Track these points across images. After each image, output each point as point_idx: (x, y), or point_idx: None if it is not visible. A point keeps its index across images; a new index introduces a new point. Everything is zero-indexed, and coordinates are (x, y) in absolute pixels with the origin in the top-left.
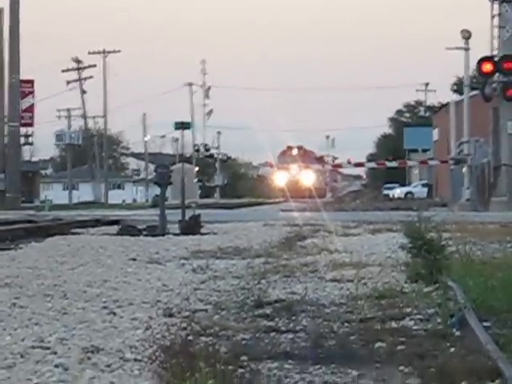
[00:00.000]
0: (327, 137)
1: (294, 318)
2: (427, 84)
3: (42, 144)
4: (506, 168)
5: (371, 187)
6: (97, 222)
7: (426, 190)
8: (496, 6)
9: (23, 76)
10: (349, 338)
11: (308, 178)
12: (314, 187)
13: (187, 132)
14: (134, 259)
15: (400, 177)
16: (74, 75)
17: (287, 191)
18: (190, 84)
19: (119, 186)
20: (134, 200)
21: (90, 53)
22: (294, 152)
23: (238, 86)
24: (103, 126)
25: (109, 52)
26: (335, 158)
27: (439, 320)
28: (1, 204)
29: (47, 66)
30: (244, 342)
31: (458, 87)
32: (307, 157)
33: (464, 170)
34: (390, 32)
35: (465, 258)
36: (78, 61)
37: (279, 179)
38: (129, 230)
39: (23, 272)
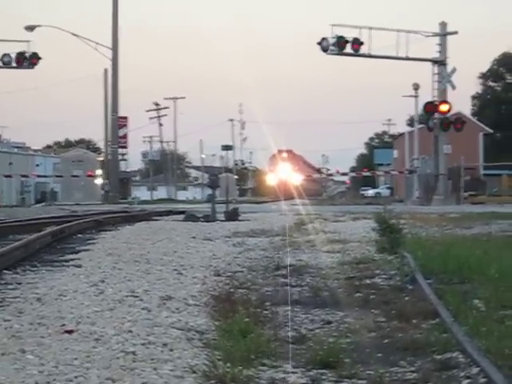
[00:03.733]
0: (323, 155)
1: (300, 277)
2: (390, 119)
3: (133, 160)
4: (443, 176)
5: (353, 189)
6: (169, 212)
7: (389, 191)
8: (436, 67)
9: (120, 113)
10: (337, 290)
11: (296, 179)
12: (315, 188)
13: (230, 152)
14: (194, 237)
15: (372, 182)
16: (154, 114)
17: (278, 191)
18: (231, 120)
19: (184, 188)
20: (194, 198)
21: (165, 98)
22: (284, 155)
23: (262, 120)
24: (174, 147)
25: (177, 98)
26: (328, 170)
27: (398, 278)
28: (106, 200)
29: (137, 107)
30: (267, 293)
31: (411, 121)
32: (296, 160)
33: (414, 177)
34: (366, 84)
35: (414, 237)
36: (156, 104)
37: (271, 180)
38: (191, 217)
39: (120, 245)
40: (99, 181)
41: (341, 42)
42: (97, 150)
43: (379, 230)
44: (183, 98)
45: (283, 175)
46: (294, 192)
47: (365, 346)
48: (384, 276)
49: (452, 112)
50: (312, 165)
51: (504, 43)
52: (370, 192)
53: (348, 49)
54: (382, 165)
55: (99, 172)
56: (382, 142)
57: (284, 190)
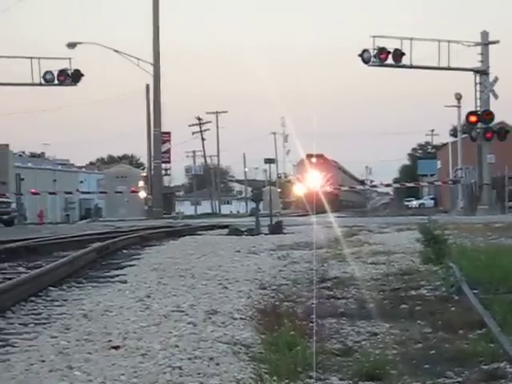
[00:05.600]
0: (366, 167)
1: (346, 289)
2: (433, 130)
3: (176, 174)
4: (487, 186)
5: (396, 200)
6: (213, 227)
7: (433, 201)
8: (478, 76)
9: (163, 129)
10: (383, 302)
11: (328, 188)
12: (357, 200)
13: (273, 165)
14: (239, 251)
15: (416, 193)
16: (196, 128)
17: (306, 204)
18: (274, 133)
19: (228, 202)
20: (238, 211)
21: (207, 113)
22: (313, 161)
23: (305, 133)
24: (217, 161)
25: (219, 112)
26: (372, 181)
27: (444, 289)
28: (150, 215)
29: (179, 121)
30: (313, 306)
31: (454, 132)
32: (328, 166)
33: (458, 187)
34: (407, 94)
35: (460, 247)
36: (199, 118)
37: (299, 191)
38: (235, 231)
39: (165, 260)
40: (143, 194)
41: (382, 54)
42: (140, 166)
43: (424, 241)
44: (225, 112)
45: (313, 184)
46: (326, 204)
47: (411, 357)
48: (429, 287)
49: (495, 121)
50: (350, 172)
51: None
52: (414, 203)
53: (389, 60)
54: (425, 175)
55: (143, 187)
56: (425, 153)
57: (313, 202)
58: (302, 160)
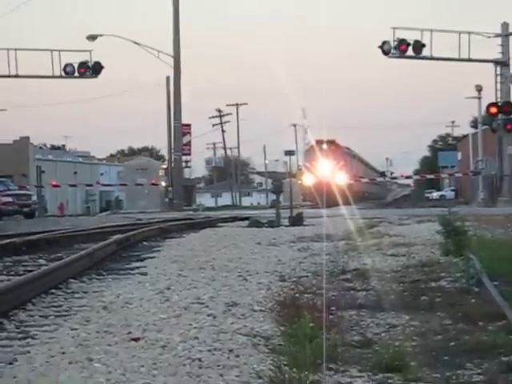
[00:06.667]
0: (386, 158)
1: (366, 281)
2: (453, 122)
3: (196, 167)
4: (507, 177)
5: (417, 192)
6: (234, 219)
7: (453, 193)
8: (498, 68)
9: (184, 120)
10: (403, 293)
11: (341, 179)
12: (377, 191)
13: (293, 157)
14: (259, 243)
15: (436, 185)
16: (217, 120)
17: (316, 195)
18: (295, 125)
19: (248, 194)
20: (258, 203)
21: (227, 105)
22: (324, 147)
23: (326, 125)
24: (237, 153)
25: (239, 104)
26: (392, 173)
27: (464, 281)
28: (170, 208)
29: (200, 113)
30: (333, 297)
31: (474, 123)
32: (340, 153)
33: (479, 179)
34: (428, 86)
35: (480, 239)
36: (219, 110)
37: (307, 181)
38: (255, 223)
39: (185, 252)
40: (163, 184)
41: (402, 45)
42: (160, 158)
43: (444, 233)
44: (245, 104)
45: (323, 174)
46: (338, 196)
47: (431, 348)
48: (449, 278)
49: None
50: (367, 162)
51: None
52: (435, 194)
53: (409, 51)
54: (446, 167)
55: (163, 179)
56: (445, 145)
57: (323, 194)
58: (312, 147)
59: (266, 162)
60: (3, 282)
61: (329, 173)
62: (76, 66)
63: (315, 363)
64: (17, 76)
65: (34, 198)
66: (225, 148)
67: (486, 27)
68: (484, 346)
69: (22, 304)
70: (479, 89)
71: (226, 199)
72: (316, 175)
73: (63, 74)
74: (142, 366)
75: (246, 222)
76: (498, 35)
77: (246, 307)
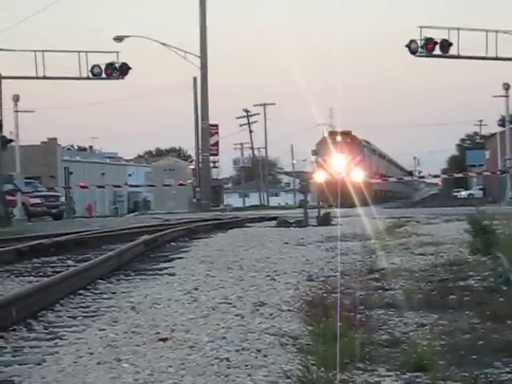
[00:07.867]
0: (414, 158)
1: (394, 280)
2: (481, 120)
3: (224, 167)
4: None
5: (445, 191)
6: (261, 219)
7: (482, 192)
8: None
9: (211, 121)
10: (431, 292)
11: (357, 176)
12: (404, 190)
13: None
14: (287, 243)
15: (464, 183)
16: (244, 120)
17: (328, 194)
18: (322, 124)
19: (276, 194)
20: (286, 203)
21: (254, 105)
22: (338, 139)
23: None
24: (265, 153)
25: (267, 104)
26: (420, 172)
27: (492, 279)
28: (198, 208)
29: (227, 113)
30: (361, 297)
31: (502, 122)
32: (357, 146)
33: (507, 177)
34: (455, 84)
35: (508, 237)
36: (246, 111)
37: (319, 178)
38: (283, 223)
39: (213, 253)
40: (191, 184)
41: (429, 44)
42: (188, 158)
43: (472, 232)
44: (273, 104)
45: (336, 169)
46: (354, 195)
47: (459, 347)
48: (478, 277)
49: None
50: (391, 159)
51: None
52: (463, 193)
53: (437, 50)
54: (474, 166)
55: (191, 180)
56: (473, 143)
57: (337, 193)
58: (324, 139)
59: (294, 161)
60: (31, 283)
61: (343, 169)
62: (103, 67)
63: (343, 362)
64: (44, 77)
65: (62, 199)
66: (252, 148)
67: None
68: None
69: (50, 305)
70: (507, 87)
71: (253, 199)
72: (329, 172)
73: (90, 76)
74: (170, 366)
75: (273, 222)
76: None
77: (274, 307)
